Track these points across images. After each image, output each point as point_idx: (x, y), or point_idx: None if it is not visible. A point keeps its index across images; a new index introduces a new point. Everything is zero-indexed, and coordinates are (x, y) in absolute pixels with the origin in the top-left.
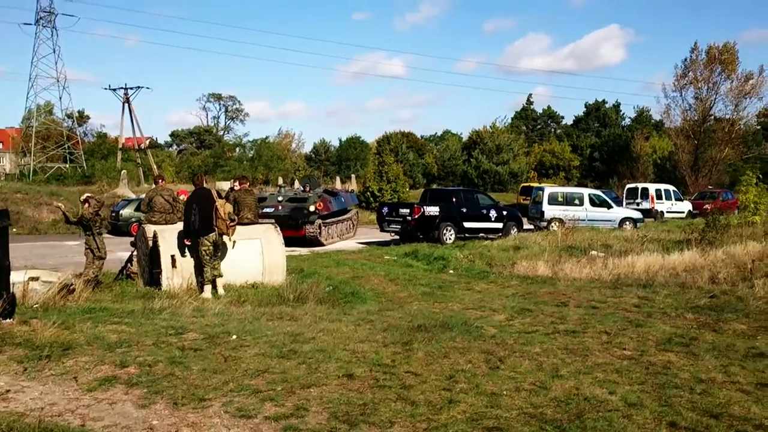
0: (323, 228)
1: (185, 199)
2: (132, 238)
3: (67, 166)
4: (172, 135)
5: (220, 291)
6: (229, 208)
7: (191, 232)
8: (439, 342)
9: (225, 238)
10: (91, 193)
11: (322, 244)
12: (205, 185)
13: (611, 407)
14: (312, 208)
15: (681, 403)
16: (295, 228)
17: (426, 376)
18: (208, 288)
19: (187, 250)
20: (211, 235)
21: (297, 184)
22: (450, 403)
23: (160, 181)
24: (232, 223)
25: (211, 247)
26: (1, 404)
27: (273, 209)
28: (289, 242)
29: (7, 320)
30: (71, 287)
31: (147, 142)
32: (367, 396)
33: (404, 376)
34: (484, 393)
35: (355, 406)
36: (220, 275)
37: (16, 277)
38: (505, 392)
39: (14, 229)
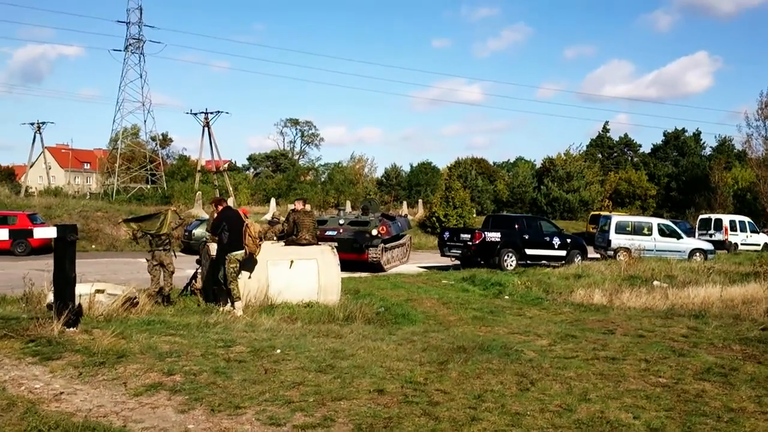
0: (384, 253)
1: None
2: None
3: (149, 186)
4: (249, 158)
5: (238, 313)
6: (258, 228)
7: (219, 248)
8: (475, 363)
9: (259, 257)
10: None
11: (383, 269)
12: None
13: (632, 431)
14: (374, 232)
15: (705, 429)
16: (358, 252)
17: (455, 395)
18: (239, 304)
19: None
20: (239, 252)
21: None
22: (473, 421)
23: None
24: (260, 242)
25: (237, 265)
26: (53, 404)
27: (336, 232)
28: (350, 266)
29: (71, 329)
30: (135, 300)
31: (226, 165)
32: (393, 410)
33: (433, 394)
34: (509, 413)
35: (380, 419)
36: (239, 298)
37: (83, 289)
38: (529, 413)
39: (93, 246)
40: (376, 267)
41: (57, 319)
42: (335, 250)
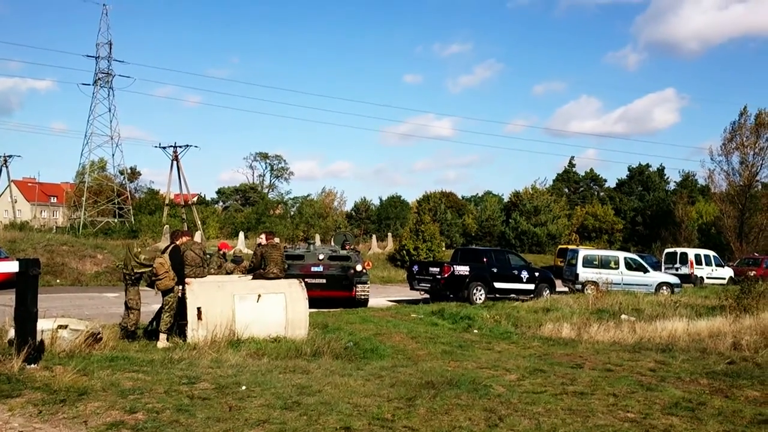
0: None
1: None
2: None
3: (116, 220)
4: (218, 192)
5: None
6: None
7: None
8: (444, 399)
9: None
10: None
11: (366, 305)
12: (177, 243)
13: None
14: (359, 267)
15: None
16: (348, 289)
17: None
18: (163, 337)
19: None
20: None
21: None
22: None
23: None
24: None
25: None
26: None
27: (322, 268)
28: (334, 303)
29: (32, 365)
30: (98, 336)
31: (195, 198)
32: None
33: (401, 431)
34: None
35: None
36: (161, 331)
37: (45, 324)
38: None
39: (57, 280)
40: (362, 303)
41: (17, 355)
42: (303, 284)
